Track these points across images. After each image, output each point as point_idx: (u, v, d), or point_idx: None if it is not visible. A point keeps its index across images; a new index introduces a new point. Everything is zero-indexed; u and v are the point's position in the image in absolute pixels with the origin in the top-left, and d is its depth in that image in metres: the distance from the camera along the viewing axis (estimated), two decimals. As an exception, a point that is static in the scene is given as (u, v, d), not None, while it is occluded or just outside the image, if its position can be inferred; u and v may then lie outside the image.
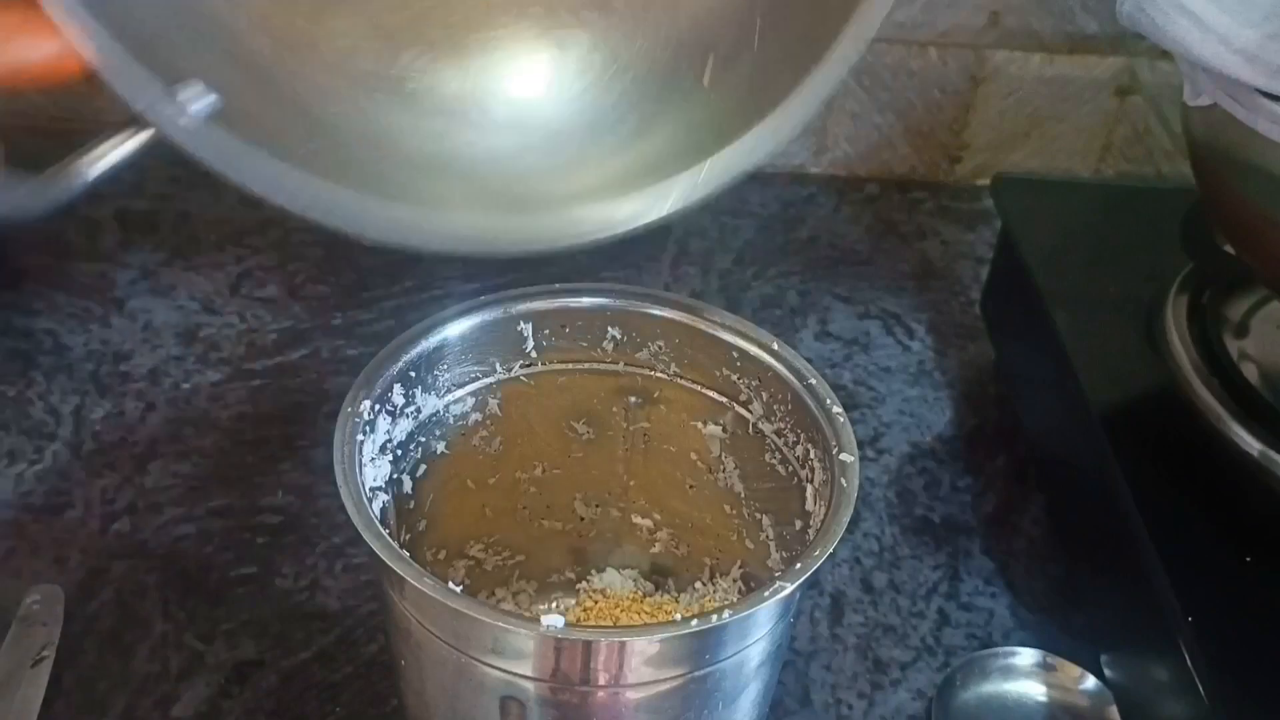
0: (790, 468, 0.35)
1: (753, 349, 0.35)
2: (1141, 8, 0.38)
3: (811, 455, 0.34)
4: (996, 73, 0.64)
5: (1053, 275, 0.49)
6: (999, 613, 0.44)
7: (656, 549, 0.41)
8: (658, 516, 0.40)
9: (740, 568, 0.38)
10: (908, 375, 0.55)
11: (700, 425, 0.37)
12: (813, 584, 0.45)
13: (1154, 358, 0.44)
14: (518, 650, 0.29)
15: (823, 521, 0.31)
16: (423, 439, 0.36)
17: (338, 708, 0.39)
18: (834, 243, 0.63)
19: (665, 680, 0.30)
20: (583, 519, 0.41)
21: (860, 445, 0.33)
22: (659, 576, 0.41)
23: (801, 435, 0.34)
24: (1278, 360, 0.43)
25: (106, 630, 0.41)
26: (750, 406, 0.36)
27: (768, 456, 0.36)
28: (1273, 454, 0.39)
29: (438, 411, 0.36)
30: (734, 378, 0.36)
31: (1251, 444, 0.39)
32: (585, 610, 0.40)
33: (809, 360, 0.35)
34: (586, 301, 0.36)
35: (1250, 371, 0.42)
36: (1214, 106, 0.38)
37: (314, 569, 0.44)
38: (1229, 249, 0.44)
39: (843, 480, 0.31)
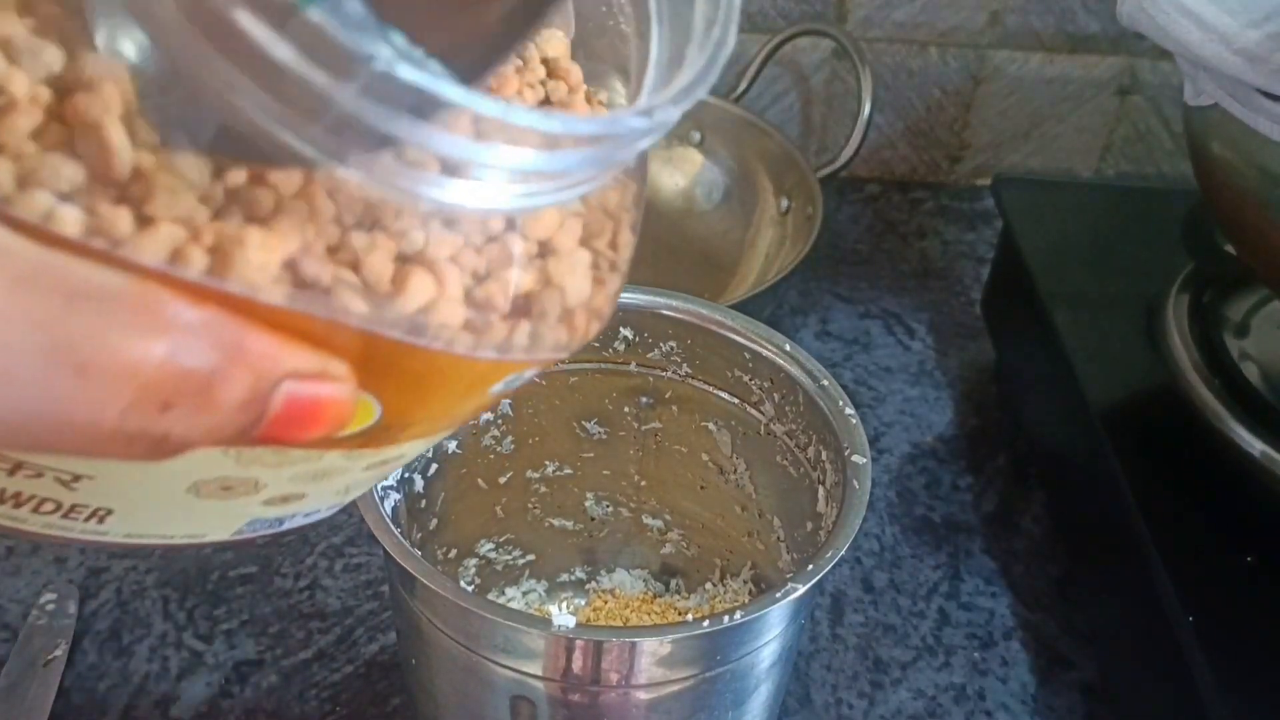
0: (802, 469, 0.35)
1: (765, 350, 0.35)
2: (1142, 8, 0.38)
3: (823, 457, 0.34)
4: (997, 72, 0.65)
5: (1053, 275, 0.49)
6: (999, 612, 0.45)
7: (667, 549, 0.41)
8: (668, 517, 0.40)
9: (751, 569, 0.38)
10: (908, 375, 0.55)
11: (712, 426, 0.37)
12: (814, 583, 0.45)
13: (1154, 357, 0.44)
14: (529, 650, 0.29)
15: (834, 523, 0.31)
16: (434, 438, 0.35)
17: (338, 707, 0.39)
18: (834, 242, 0.63)
19: (676, 681, 0.30)
20: (593, 519, 0.40)
21: (860, 445, 0.33)
22: (669, 577, 0.41)
23: (813, 437, 0.34)
24: (1278, 360, 0.44)
25: (106, 630, 0.41)
26: (762, 408, 0.36)
27: (779, 458, 0.36)
28: (1273, 454, 0.39)
29: (449, 411, 0.36)
30: (746, 379, 0.36)
31: (1252, 444, 0.39)
32: (595, 610, 0.40)
33: (810, 360, 0.35)
34: (598, 301, 0.36)
35: (1251, 371, 0.42)
36: (1214, 106, 0.38)
37: (314, 568, 0.44)
38: (1229, 249, 0.44)
39: (855, 482, 0.31)
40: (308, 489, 0.19)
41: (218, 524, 0.19)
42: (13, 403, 0.12)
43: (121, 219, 0.12)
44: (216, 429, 0.14)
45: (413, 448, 0.19)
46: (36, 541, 0.20)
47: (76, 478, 0.17)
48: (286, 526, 0.21)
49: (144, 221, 0.13)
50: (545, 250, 0.16)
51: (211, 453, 0.16)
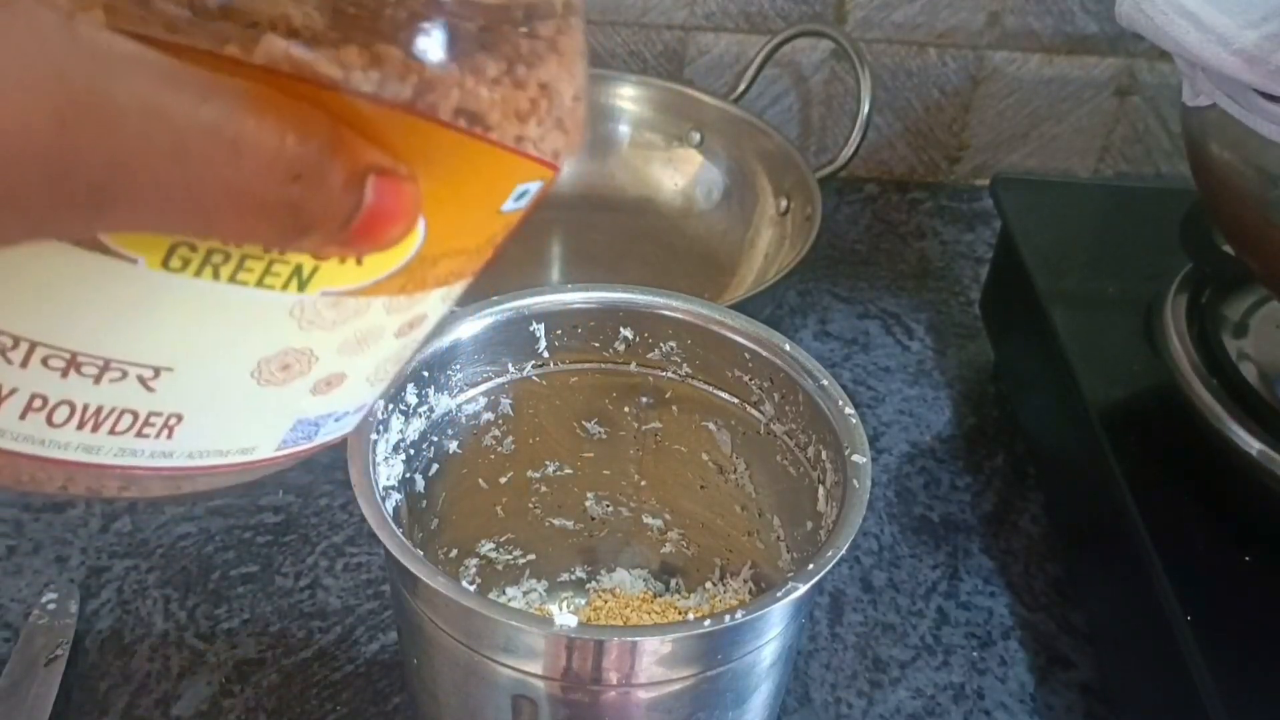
0: (802, 469, 0.35)
1: (764, 350, 0.35)
2: (1140, 8, 0.38)
3: (823, 456, 0.34)
4: (996, 73, 0.65)
5: (1052, 275, 0.49)
6: (998, 611, 0.45)
7: (667, 549, 0.41)
8: (668, 516, 0.40)
9: (751, 568, 0.38)
10: (907, 375, 0.55)
11: (712, 426, 0.37)
12: (813, 583, 0.45)
13: (1153, 357, 0.44)
14: (530, 649, 0.29)
15: (834, 522, 0.31)
16: (435, 438, 0.35)
17: (338, 706, 0.39)
18: (833, 242, 0.63)
19: (677, 680, 0.30)
20: (594, 518, 0.40)
21: (860, 445, 0.33)
22: (669, 576, 0.41)
23: (813, 436, 0.34)
24: (1276, 360, 0.44)
25: (107, 629, 0.41)
26: (762, 407, 0.36)
27: (779, 457, 0.36)
28: (1271, 453, 0.39)
29: (450, 411, 0.36)
30: (746, 379, 0.36)
31: (1250, 443, 0.39)
32: (595, 610, 0.40)
33: (809, 360, 0.35)
34: (599, 302, 0.36)
35: (1249, 371, 0.42)
36: (1212, 107, 0.38)
37: (314, 568, 0.44)
38: (1227, 249, 0.44)
39: (855, 481, 0.31)
40: (348, 366, 0.21)
41: (269, 426, 0.21)
42: (195, 175, 0.15)
43: (231, 34, 0.16)
44: (333, 207, 0.16)
45: (436, 304, 0.21)
46: (95, 492, 0.21)
47: (157, 372, 0.19)
48: (317, 441, 0.23)
49: (247, 36, 0.16)
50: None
51: (276, 311, 0.19)
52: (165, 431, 0.20)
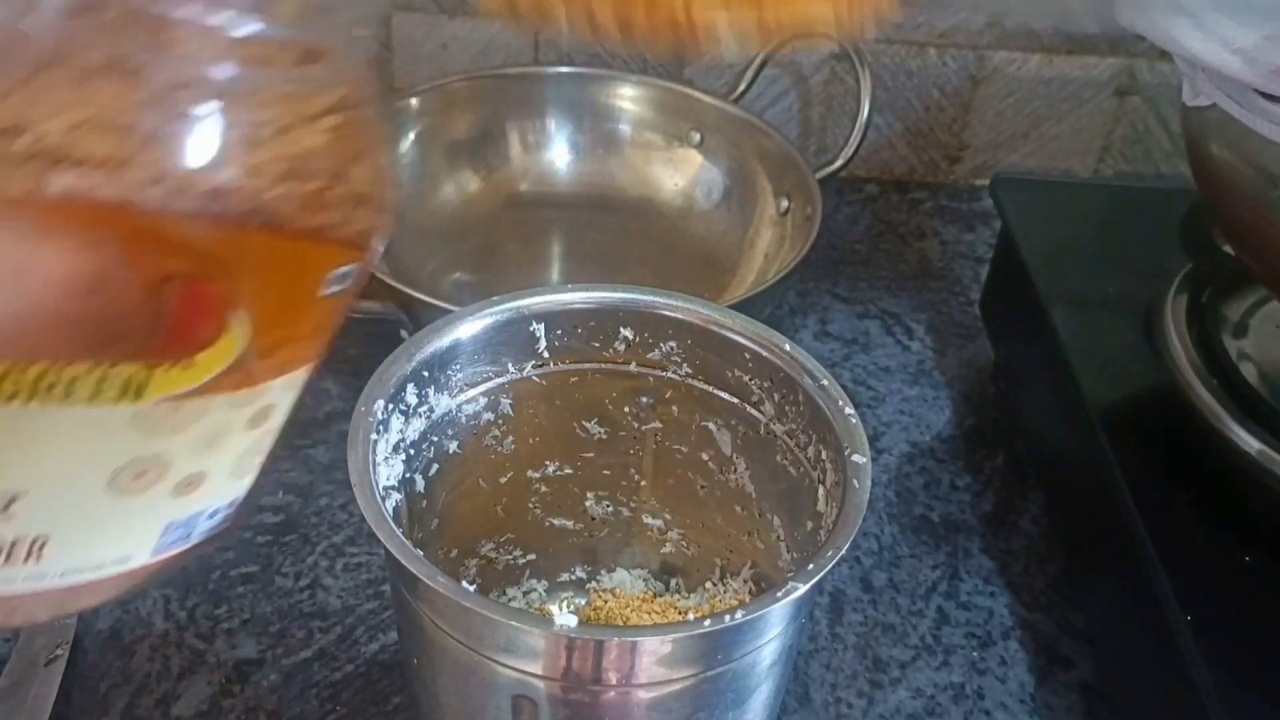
0: (802, 469, 0.35)
1: (764, 350, 0.35)
2: (1141, 8, 0.38)
3: (824, 456, 0.34)
4: (995, 73, 0.65)
5: (1052, 275, 0.49)
6: (998, 611, 0.45)
7: (667, 549, 0.41)
8: (668, 516, 0.40)
9: (751, 568, 0.39)
10: (907, 375, 0.55)
11: (712, 426, 0.37)
12: (813, 583, 0.45)
13: (1153, 357, 0.44)
14: (531, 649, 0.29)
15: (834, 522, 0.31)
16: (435, 438, 0.35)
17: (338, 706, 0.39)
18: (833, 243, 0.63)
19: (677, 680, 0.30)
20: (594, 518, 0.40)
21: (860, 445, 0.33)
22: (669, 576, 0.41)
23: (813, 436, 0.34)
24: (1276, 360, 0.44)
25: (107, 629, 0.41)
26: (762, 408, 0.36)
27: (779, 457, 0.36)
28: (1271, 453, 0.39)
29: (450, 411, 0.36)
30: (746, 379, 0.36)
31: (1250, 443, 0.39)
32: (595, 610, 0.40)
33: (809, 360, 0.35)
34: (599, 302, 0.36)
35: (1249, 371, 0.42)
36: (1212, 107, 0.39)
37: (314, 568, 0.44)
38: (1227, 249, 0.44)
39: (855, 481, 0.31)
40: (206, 464, 0.21)
41: (139, 535, 0.21)
42: None
43: (20, 173, 0.16)
44: (134, 316, 0.17)
45: (281, 393, 0.22)
46: None
47: (12, 498, 0.19)
48: (194, 540, 0.23)
49: (36, 172, 0.16)
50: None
51: (117, 424, 0.19)
52: (34, 556, 0.20)
